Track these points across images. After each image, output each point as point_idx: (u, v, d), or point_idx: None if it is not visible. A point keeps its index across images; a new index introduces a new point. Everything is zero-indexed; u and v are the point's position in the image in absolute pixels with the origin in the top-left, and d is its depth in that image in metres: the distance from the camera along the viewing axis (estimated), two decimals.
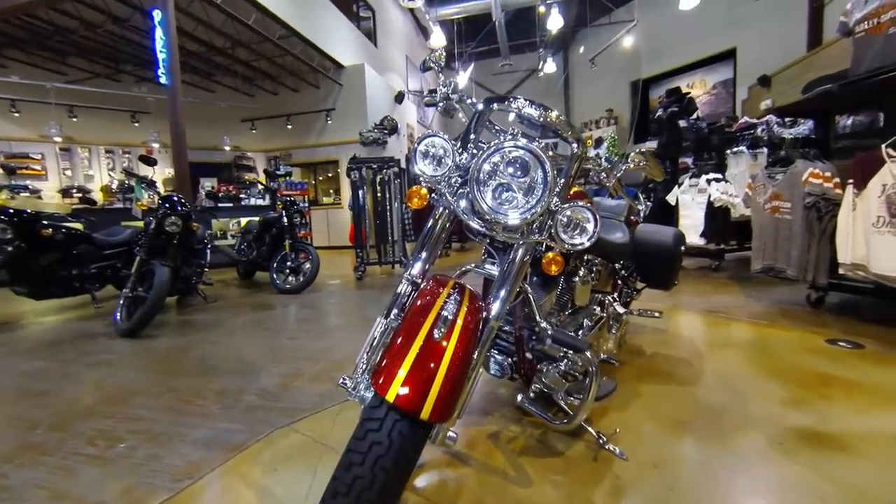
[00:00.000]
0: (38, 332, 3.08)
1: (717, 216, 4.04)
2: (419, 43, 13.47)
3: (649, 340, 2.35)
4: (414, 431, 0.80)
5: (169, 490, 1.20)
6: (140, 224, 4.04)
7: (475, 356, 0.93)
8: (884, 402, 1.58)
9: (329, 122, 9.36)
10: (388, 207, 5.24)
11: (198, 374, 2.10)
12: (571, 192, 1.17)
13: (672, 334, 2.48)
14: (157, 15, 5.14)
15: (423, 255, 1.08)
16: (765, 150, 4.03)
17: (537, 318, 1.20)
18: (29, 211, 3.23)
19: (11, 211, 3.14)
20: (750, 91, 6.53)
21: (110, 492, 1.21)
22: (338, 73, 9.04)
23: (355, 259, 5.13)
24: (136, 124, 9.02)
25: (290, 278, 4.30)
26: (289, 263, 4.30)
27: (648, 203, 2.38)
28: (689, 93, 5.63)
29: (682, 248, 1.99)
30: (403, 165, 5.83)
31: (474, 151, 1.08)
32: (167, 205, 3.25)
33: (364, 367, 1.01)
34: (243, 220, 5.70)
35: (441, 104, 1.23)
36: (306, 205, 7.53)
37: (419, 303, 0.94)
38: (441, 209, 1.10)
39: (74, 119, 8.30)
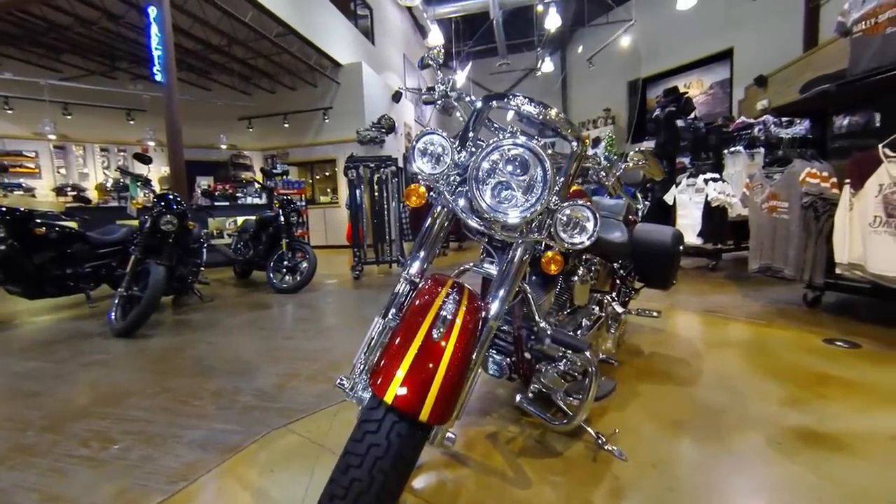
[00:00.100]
0: (31, 332, 3.05)
1: (714, 216, 4.05)
2: (417, 42, 13.44)
3: (647, 340, 2.35)
4: (412, 433, 0.79)
5: (163, 492, 1.18)
6: (135, 223, 4.00)
7: (474, 356, 0.92)
8: (881, 402, 1.58)
9: (326, 120, 9.33)
10: (385, 206, 5.23)
11: (193, 375, 2.08)
12: (571, 191, 1.16)
13: (670, 334, 2.48)
14: (152, 11, 5.09)
15: (422, 254, 1.07)
16: (762, 149, 4.03)
17: (536, 317, 1.19)
18: (22, 209, 3.20)
19: (4, 209, 3.10)
20: (746, 91, 6.54)
21: (103, 494, 1.19)
22: (335, 71, 9.00)
23: (352, 258, 5.11)
24: (132, 122, 8.97)
25: (286, 278, 4.27)
26: (286, 263, 4.27)
27: (646, 202, 2.37)
28: (687, 92, 5.64)
29: (681, 247, 1.99)
30: (401, 164, 5.81)
31: (473, 150, 1.07)
32: (162, 203, 3.23)
33: (362, 367, 1.00)
34: (240, 219, 5.67)
35: (439, 102, 1.22)
36: (303, 204, 7.49)
37: (418, 302, 0.93)
38: (439, 208, 1.09)
39: (69, 116, 8.23)
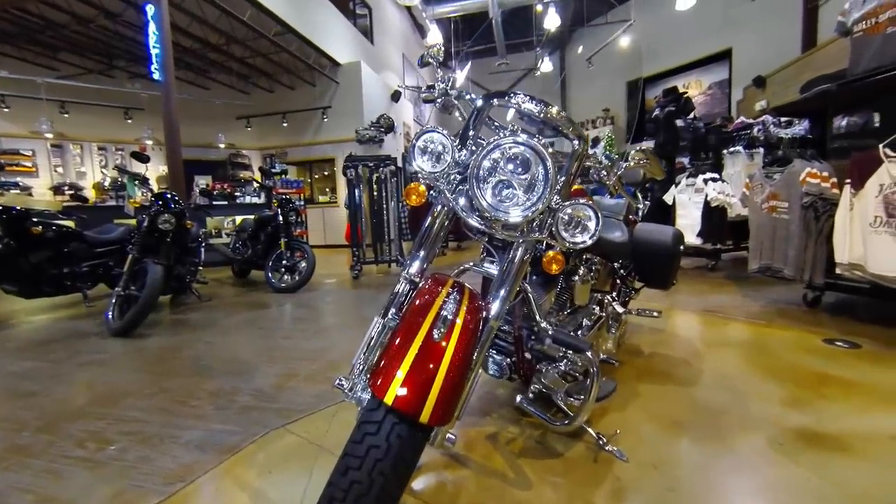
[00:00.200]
0: (27, 332, 3.03)
1: (713, 216, 4.05)
2: (416, 41, 13.42)
3: (647, 340, 2.35)
4: (413, 434, 0.78)
5: (160, 494, 1.17)
6: (133, 222, 3.98)
7: (475, 357, 0.91)
8: (882, 402, 1.58)
9: (325, 119, 9.31)
10: (384, 206, 5.21)
11: (191, 375, 2.07)
12: (572, 190, 1.15)
13: (670, 334, 2.48)
14: (150, 10, 5.07)
15: (422, 253, 1.06)
16: (761, 150, 4.03)
17: (537, 317, 1.19)
18: (19, 208, 3.17)
19: (1, 208, 3.08)
20: (745, 92, 6.55)
21: (99, 495, 1.18)
22: (334, 70, 8.98)
23: (351, 258, 5.09)
24: (130, 121, 8.93)
25: (285, 277, 4.26)
26: (284, 262, 4.26)
27: (646, 202, 2.36)
28: (686, 92, 5.64)
29: (682, 247, 1.98)
30: (400, 164, 5.80)
31: (473, 148, 1.06)
32: (160, 202, 3.21)
33: (361, 367, 0.99)
34: (238, 219, 5.65)
35: (440, 100, 1.21)
36: (302, 203, 7.48)
37: (418, 302, 0.92)
38: (440, 207, 1.08)
39: (66, 115, 8.19)
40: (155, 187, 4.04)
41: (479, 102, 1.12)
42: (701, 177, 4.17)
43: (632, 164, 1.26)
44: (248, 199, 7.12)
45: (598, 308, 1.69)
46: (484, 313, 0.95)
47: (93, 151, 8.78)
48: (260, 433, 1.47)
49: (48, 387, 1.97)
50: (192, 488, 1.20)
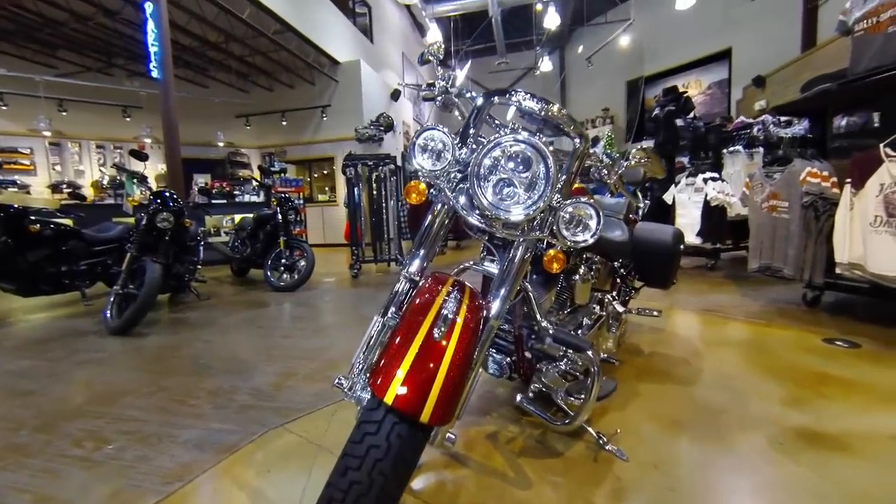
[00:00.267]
0: (25, 330, 3.02)
1: (713, 215, 4.05)
2: (415, 40, 13.39)
3: (647, 340, 2.34)
4: (413, 434, 0.78)
5: (158, 493, 1.16)
6: (131, 220, 3.97)
7: (475, 356, 0.91)
8: (882, 402, 1.58)
9: (324, 118, 9.29)
10: (383, 205, 5.20)
11: (190, 373, 2.06)
12: (573, 189, 1.14)
13: (669, 333, 2.48)
14: (148, 7, 5.05)
15: (422, 252, 1.05)
16: (761, 149, 4.04)
17: (538, 316, 1.18)
18: (17, 206, 3.16)
19: None
20: (745, 91, 6.56)
21: (97, 495, 1.17)
22: (333, 69, 8.96)
23: (351, 257, 5.09)
24: (128, 119, 8.90)
25: (284, 276, 4.25)
26: (283, 261, 4.25)
27: (646, 202, 2.36)
28: (686, 92, 5.64)
29: (682, 246, 1.98)
30: (399, 163, 5.78)
31: (474, 146, 1.05)
32: (159, 201, 3.20)
33: (361, 366, 0.98)
34: (237, 217, 5.63)
35: (440, 98, 1.20)
36: (301, 202, 7.46)
37: (418, 301, 0.91)
38: (440, 205, 1.07)
39: (64, 113, 8.16)
40: (154, 186, 4.03)
41: (480, 100, 1.11)
42: (700, 176, 4.17)
43: (633, 162, 1.26)
44: (247, 198, 7.11)
45: (598, 307, 1.68)
46: (484, 312, 0.95)
47: (91, 149, 8.74)
48: (258, 432, 1.46)
49: (46, 386, 1.96)
50: (191, 488, 1.19)
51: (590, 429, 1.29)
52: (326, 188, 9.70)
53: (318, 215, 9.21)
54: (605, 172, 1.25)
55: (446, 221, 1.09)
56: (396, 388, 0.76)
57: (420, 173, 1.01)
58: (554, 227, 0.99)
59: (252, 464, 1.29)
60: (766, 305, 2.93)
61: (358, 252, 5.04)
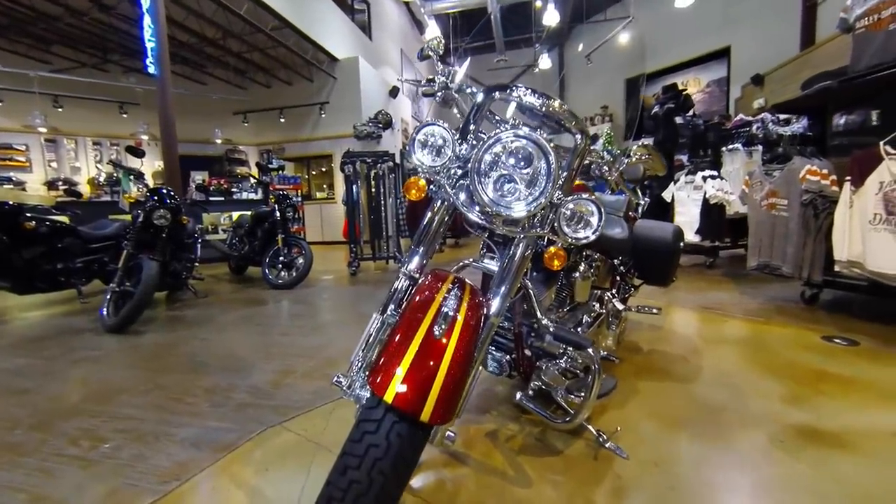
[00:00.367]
0: (20, 328, 3.00)
1: (712, 213, 4.05)
2: (414, 37, 13.34)
3: (646, 337, 2.34)
4: (413, 433, 0.77)
5: (155, 493, 1.15)
6: (128, 217, 3.94)
7: (476, 354, 0.90)
8: (881, 399, 1.58)
9: (323, 115, 9.25)
10: (382, 202, 5.18)
11: (187, 371, 2.05)
12: (574, 186, 1.13)
13: (668, 331, 2.48)
14: (145, 2, 4.99)
15: (421, 249, 1.04)
16: (760, 147, 4.03)
17: (538, 314, 1.17)
18: (12, 203, 3.13)
19: None
20: (743, 90, 6.56)
21: (93, 494, 1.16)
22: (332, 66, 8.91)
23: (349, 254, 5.07)
24: (125, 115, 8.83)
25: (282, 273, 4.23)
26: (281, 258, 4.23)
27: (646, 199, 2.36)
28: (686, 89, 5.63)
29: (682, 244, 1.97)
30: (398, 160, 5.77)
31: (474, 142, 1.04)
32: (155, 198, 3.17)
33: (360, 364, 0.97)
34: (235, 214, 5.61)
35: (439, 94, 1.19)
36: (299, 199, 7.44)
37: (418, 298, 0.90)
38: (439, 202, 1.06)
39: (60, 109, 8.10)
40: (150, 182, 4.01)
41: (480, 96, 1.10)
42: (700, 174, 4.16)
43: (634, 159, 1.25)
44: (244, 195, 7.09)
45: (598, 305, 1.68)
46: (485, 310, 0.94)
47: (87, 146, 8.69)
48: (256, 431, 1.45)
49: (41, 384, 1.95)
50: (188, 487, 1.18)
51: (590, 427, 1.29)
52: (325, 185, 9.67)
53: (317, 213, 9.18)
54: (606, 169, 1.24)
55: (446, 218, 1.08)
56: (396, 387, 0.75)
57: (420, 169, 1.00)
58: (555, 224, 0.98)
59: (250, 462, 1.28)
60: (765, 303, 2.94)
61: (356, 249, 5.02)
